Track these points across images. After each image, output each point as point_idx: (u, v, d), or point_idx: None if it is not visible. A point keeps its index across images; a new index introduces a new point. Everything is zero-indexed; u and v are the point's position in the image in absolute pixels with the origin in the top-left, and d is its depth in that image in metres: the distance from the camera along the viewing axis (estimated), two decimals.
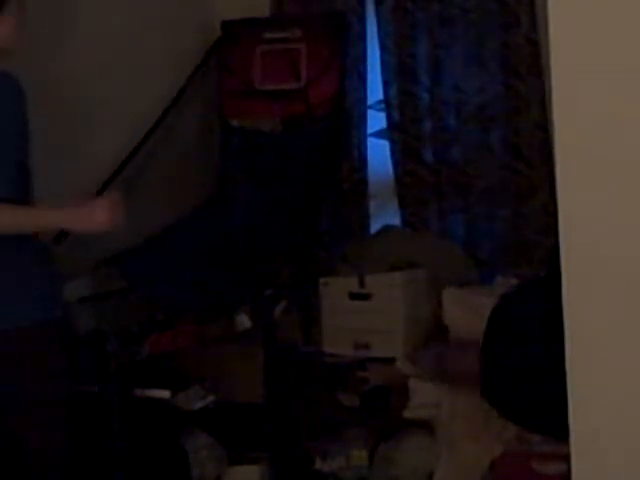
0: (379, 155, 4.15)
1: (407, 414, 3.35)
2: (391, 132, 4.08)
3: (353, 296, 3.59)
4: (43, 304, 2.57)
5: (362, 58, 4.08)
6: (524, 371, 2.80)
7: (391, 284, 3.55)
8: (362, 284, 3.58)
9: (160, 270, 3.45)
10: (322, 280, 3.65)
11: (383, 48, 4.05)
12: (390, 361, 3.49)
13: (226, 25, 4.08)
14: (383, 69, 4.06)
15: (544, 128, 3.77)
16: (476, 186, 3.96)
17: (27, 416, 2.57)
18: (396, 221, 4.10)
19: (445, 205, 4.04)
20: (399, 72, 4.03)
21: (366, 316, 3.56)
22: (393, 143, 4.08)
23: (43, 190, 2.68)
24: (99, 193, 3.43)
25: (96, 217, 2.55)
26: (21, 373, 2.54)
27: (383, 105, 4.10)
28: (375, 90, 4.12)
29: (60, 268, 2.73)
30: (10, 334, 2.50)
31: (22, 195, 2.58)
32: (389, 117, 4.08)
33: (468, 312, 3.19)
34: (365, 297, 3.57)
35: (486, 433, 2.95)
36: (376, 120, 4.14)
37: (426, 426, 3.25)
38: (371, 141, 4.16)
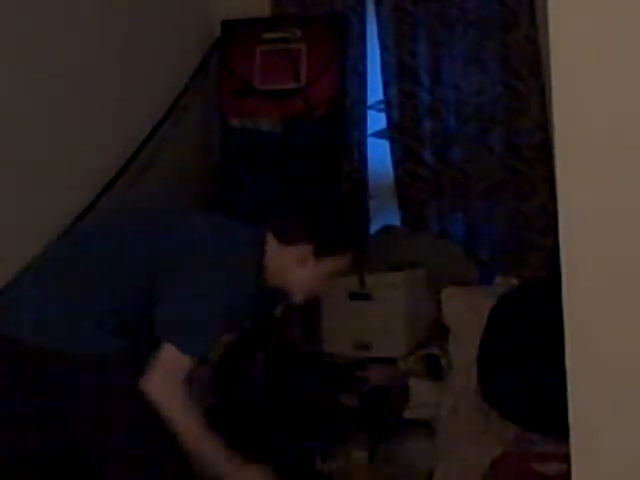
0: (379, 155, 4.15)
1: (407, 414, 3.35)
2: (391, 132, 4.09)
3: (353, 296, 3.59)
4: None
5: (362, 58, 4.08)
6: (524, 371, 2.80)
7: (391, 284, 3.55)
8: (362, 284, 3.57)
9: None
10: None
11: (383, 48, 4.05)
12: (390, 361, 3.50)
13: (226, 25, 4.08)
14: (383, 69, 4.06)
15: (544, 128, 3.78)
16: (476, 186, 3.97)
17: None
18: (396, 221, 4.10)
19: (445, 205, 4.04)
20: (399, 72, 4.03)
21: (366, 316, 3.56)
22: (393, 143, 4.08)
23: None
24: (102, 192, 3.44)
25: None
26: None
27: (383, 105, 4.10)
28: (375, 90, 4.12)
29: None
30: None
31: None
32: (389, 117, 4.08)
33: (468, 312, 3.19)
34: (365, 297, 3.57)
35: (486, 433, 2.94)
36: (376, 120, 4.14)
37: (426, 426, 3.25)
38: (371, 141, 4.16)
